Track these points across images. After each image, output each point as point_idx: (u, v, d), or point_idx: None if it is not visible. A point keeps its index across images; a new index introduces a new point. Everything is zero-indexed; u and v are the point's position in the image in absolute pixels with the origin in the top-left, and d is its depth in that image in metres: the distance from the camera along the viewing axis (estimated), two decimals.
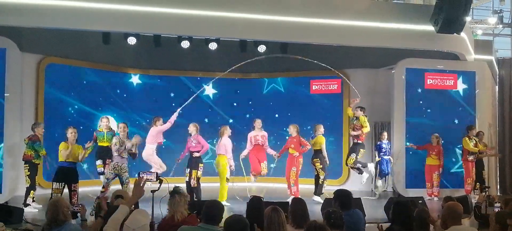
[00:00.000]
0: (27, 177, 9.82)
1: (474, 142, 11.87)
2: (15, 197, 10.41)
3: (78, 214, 5.53)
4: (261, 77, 14.76)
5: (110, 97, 13.51)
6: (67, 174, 9.31)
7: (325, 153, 11.32)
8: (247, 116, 14.47)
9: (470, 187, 11.71)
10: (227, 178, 10.69)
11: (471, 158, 11.89)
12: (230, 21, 10.97)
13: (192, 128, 10.72)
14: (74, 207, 5.20)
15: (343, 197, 5.68)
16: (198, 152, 10.54)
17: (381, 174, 12.20)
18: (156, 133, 10.86)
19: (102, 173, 10.72)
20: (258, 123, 11.39)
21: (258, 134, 11.27)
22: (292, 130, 11.27)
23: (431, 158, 12.02)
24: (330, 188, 12.35)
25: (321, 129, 11.42)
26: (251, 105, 14.75)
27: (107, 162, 10.54)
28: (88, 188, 11.27)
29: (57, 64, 12.42)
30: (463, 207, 5.34)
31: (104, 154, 10.71)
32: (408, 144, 12.28)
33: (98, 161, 10.87)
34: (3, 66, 10.38)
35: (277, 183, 12.67)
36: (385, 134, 12.36)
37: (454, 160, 12.57)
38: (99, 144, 10.81)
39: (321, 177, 11.23)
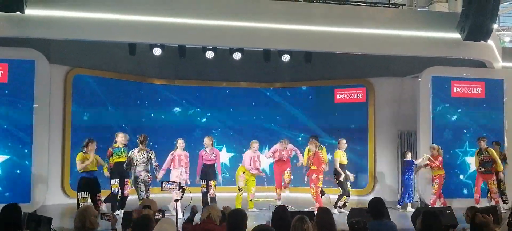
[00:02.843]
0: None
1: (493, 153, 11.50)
2: (43, 206, 10.58)
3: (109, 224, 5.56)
4: (284, 87, 14.76)
5: (135, 107, 13.66)
6: (90, 184, 9.42)
7: (338, 168, 11.07)
8: (272, 124, 14.49)
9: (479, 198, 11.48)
10: (238, 188, 10.94)
11: (482, 169, 11.52)
12: (254, 31, 11.02)
13: (208, 142, 10.82)
14: (105, 217, 5.24)
15: (375, 206, 5.52)
16: (214, 164, 10.76)
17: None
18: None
19: (117, 194, 10.15)
20: (285, 142, 11.43)
21: (283, 149, 11.25)
22: (312, 146, 11.12)
23: (440, 171, 11.72)
24: (355, 197, 12.31)
25: (339, 144, 11.33)
26: (275, 115, 14.73)
27: (126, 182, 10.22)
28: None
29: (84, 75, 12.63)
30: (492, 217, 5.24)
31: (122, 171, 10.17)
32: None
33: (114, 180, 10.11)
34: (32, 78, 10.58)
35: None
36: (409, 154, 12.07)
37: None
38: (116, 160, 10.19)
39: (339, 193, 11.14)
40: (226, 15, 10.88)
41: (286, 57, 12.75)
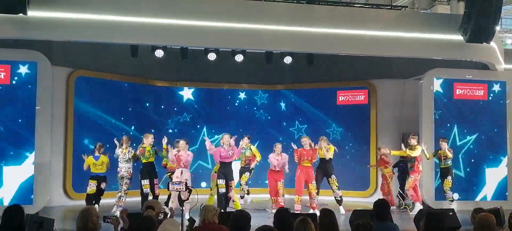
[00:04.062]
0: None
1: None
2: (45, 208, 10.58)
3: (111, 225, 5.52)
4: (286, 89, 14.75)
5: (137, 109, 13.66)
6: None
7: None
8: (273, 126, 14.48)
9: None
10: (211, 188, 11.14)
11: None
12: (256, 33, 11.01)
13: (226, 139, 10.60)
14: (107, 220, 5.22)
15: (379, 208, 5.50)
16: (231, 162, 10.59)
17: None
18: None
19: (148, 194, 10.45)
20: (278, 147, 11.03)
21: (277, 157, 10.92)
22: (308, 141, 11.01)
23: (386, 169, 12.03)
24: (357, 199, 12.27)
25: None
26: (276, 117, 14.72)
27: (155, 182, 10.46)
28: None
29: (86, 77, 12.62)
30: (495, 219, 5.23)
31: (150, 172, 10.47)
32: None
33: (145, 180, 10.42)
34: (34, 79, 10.61)
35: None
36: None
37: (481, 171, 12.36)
38: (145, 161, 10.54)
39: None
40: (228, 17, 10.87)
41: (288, 59, 12.74)
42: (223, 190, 10.32)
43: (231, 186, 10.45)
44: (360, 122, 13.80)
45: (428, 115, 12.19)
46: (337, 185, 11.15)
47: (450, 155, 11.38)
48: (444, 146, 11.44)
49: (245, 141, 11.36)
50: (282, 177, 10.96)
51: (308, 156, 10.90)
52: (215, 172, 10.88)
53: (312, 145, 11.02)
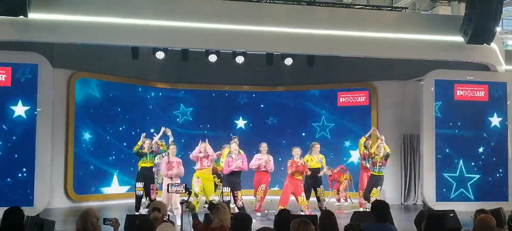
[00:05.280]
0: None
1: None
2: (46, 209, 10.59)
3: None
4: (287, 90, 14.74)
5: (138, 111, 13.66)
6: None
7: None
8: (274, 128, 14.48)
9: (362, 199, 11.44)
10: (195, 194, 10.24)
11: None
12: (256, 34, 11.00)
13: (235, 147, 10.40)
14: (107, 221, 5.22)
15: (379, 208, 5.43)
16: (240, 172, 10.37)
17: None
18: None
19: (141, 197, 10.48)
20: (263, 147, 10.82)
21: (262, 158, 10.73)
22: (299, 153, 10.66)
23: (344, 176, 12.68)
24: (357, 201, 12.24)
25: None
26: (277, 118, 14.72)
27: (151, 188, 10.44)
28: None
29: (87, 79, 12.62)
30: (496, 220, 5.23)
31: (146, 175, 10.51)
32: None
33: (139, 183, 10.53)
34: (35, 82, 10.63)
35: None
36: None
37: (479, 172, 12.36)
38: (142, 164, 10.63)
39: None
40: (229, 19, 10.87)
41: (289, 61, 12.73)
42: (228, 198, 10.13)
43: (238, 197, 10.12)
44: (361, 123, 13.78)
45: (429, 116, 12.18)
46: (324, 196, 11.12)
47: (385, 150, 11.10)
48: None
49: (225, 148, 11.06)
50: (265, 180, 10.77)
51: (300, 168, 10.51)
52: (198, 177, 10.26)
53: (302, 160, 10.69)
